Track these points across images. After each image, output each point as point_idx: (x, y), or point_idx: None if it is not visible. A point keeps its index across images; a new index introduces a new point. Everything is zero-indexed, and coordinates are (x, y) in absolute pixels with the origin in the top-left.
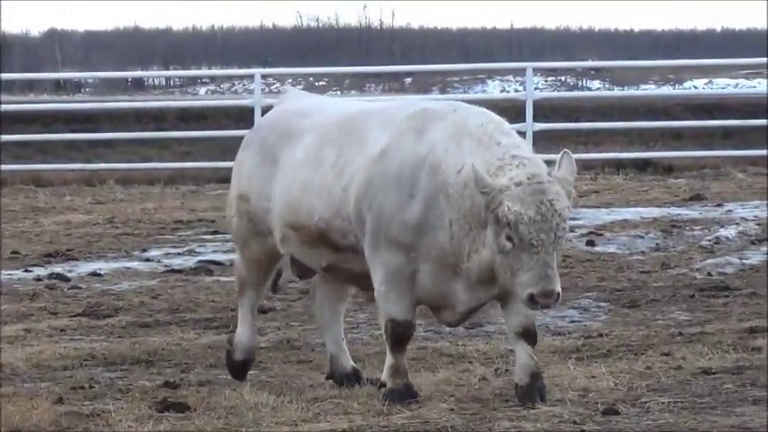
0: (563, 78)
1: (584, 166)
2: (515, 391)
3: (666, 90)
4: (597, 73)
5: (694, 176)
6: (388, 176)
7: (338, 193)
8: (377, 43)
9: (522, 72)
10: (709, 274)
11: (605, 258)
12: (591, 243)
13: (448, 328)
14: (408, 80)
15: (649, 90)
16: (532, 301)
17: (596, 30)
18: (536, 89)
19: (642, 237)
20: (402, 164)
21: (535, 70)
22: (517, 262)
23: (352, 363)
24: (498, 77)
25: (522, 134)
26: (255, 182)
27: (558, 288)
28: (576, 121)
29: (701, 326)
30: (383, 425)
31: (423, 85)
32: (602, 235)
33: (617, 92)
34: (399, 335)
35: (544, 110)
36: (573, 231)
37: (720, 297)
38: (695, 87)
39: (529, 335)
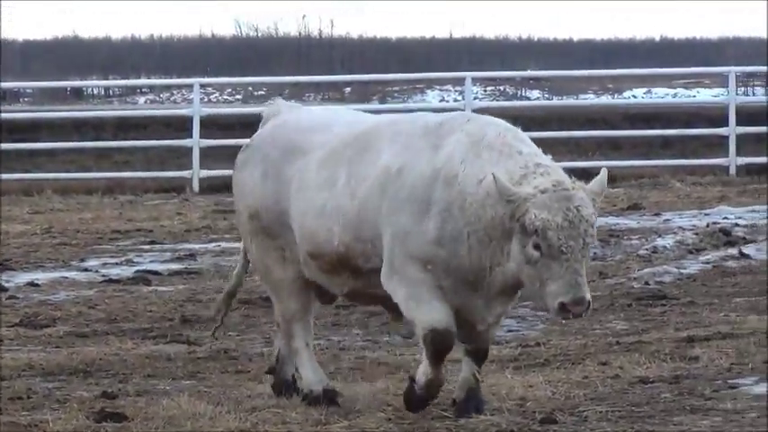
0: (502, 88)
1: None
2: (453, 406)
3: (605, 99)
4: (536, 82)
5: (632, 186)
6: (402, 193)
7: (353, 215)
8: (316, 53)
9: (461, 82)
10: (646, 283)
11: None
12: None
13: (386, 338)
14: (348, 90)
15: (588, 99)
16: (564, 309)
17: (535, 39)
18: (475, 99)
19: None
20: (416, 179)
21: (474, 80)
22: (546, 271)
23: (292, 372)
24: (437, 87)
25: None
26: (260, 197)
27: (589, 296)
28: None
29: (638, 335)
30: None
31: (362, 94)
32: None
33: (556, 101)
34: (441, 343)
35: None
36: None
37: (658, 306)
38: (634, 97)
39: (478, 355)
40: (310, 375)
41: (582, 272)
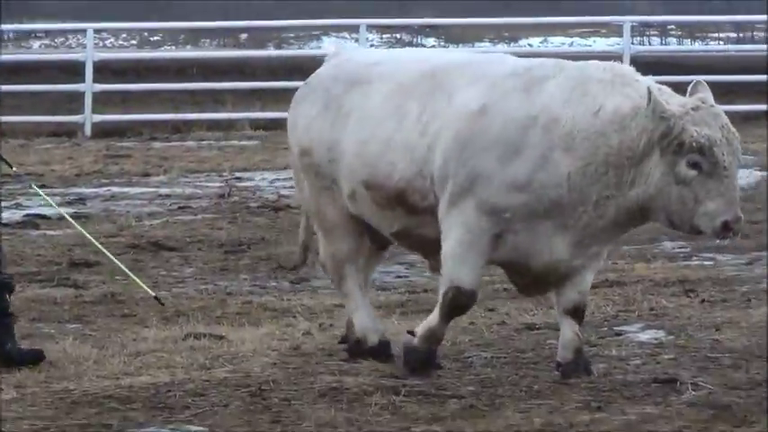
0: (398, 36)
1: None
2: (558, 369)
3: (501, 47)
4: (432, 30)
5: None
6: (489, 136)
7: (422, 151)
8: None
9: (357, 29)
10: None
11: None
12: None
13: (274, 283)
14: (244, 36)
15: (484, 48)
16: (726, 228)
17: None
18: (371, 46)
19: None
20: (507, 123)
21: (370, 27)
22: (702, 190)
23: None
24: (334, 34)
25: None
26: (316, 131)
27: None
28: None
29: None
30: (205, 378)
31: (259, 40)
32: None
33: (452, 49)
34: (461, 304)
35: None
36: None
37: None
38: (530, 45)
39: (578, 313)
40: (366, 321)
41: (738, 189)
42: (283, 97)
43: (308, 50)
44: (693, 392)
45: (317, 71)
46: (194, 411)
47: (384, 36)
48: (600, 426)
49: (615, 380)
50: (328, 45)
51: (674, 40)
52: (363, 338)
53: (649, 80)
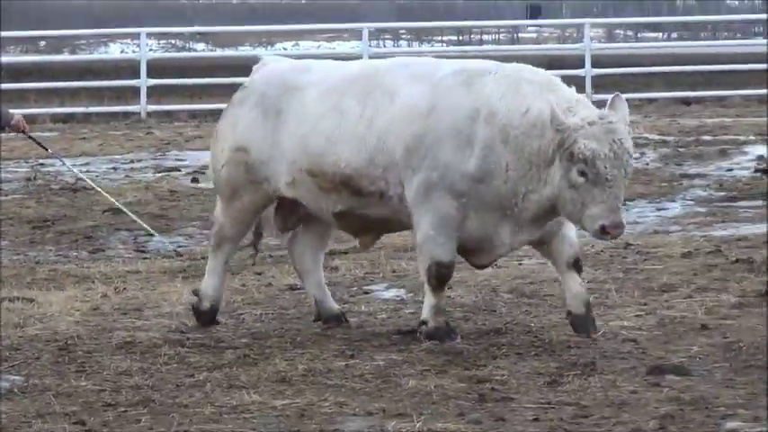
0: (173, 41)
1: (192, 116)
2: (569, 319)
3: (260, 51)
4: (202, 36)
5: None
6: (442, 130)
7: (372, 143)
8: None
9: (138, 36)
10: None
11: (207, 193)
12: (195, 180)
13: (75, 253)
14: (43, 43)
15: (245, 51)
16: (603, 231)
17: (200, 1)
18: (150, 50)
19: None
20: (456, 117)
21: (149, 34)
22: (588, 195)
23: (336, 305)
24: (119, 41)
25: (138, 89)
26: (256, 133)
27: (624, 221)
28: (184, 78)
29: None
30: (19, 335)
31: (56, 47)
32: (203, 173)
33: (218, 52)
34: (443, 275)
35: (157, 69)
36: (179, 171)
37: None
38: (284, 49)
39: (578, 264)
40: (207, 288)
41: (621, 198)
42: (77, 95)
43: (97, 55)
44: (431, 341)
45: (252, 78)
46: (11, 363)
47: (161, 42)
48: (354, 370)
49: (366, 331)
50: (266, 56)
51: (405, 42)
52: (199, 300)
53: (571, 91)
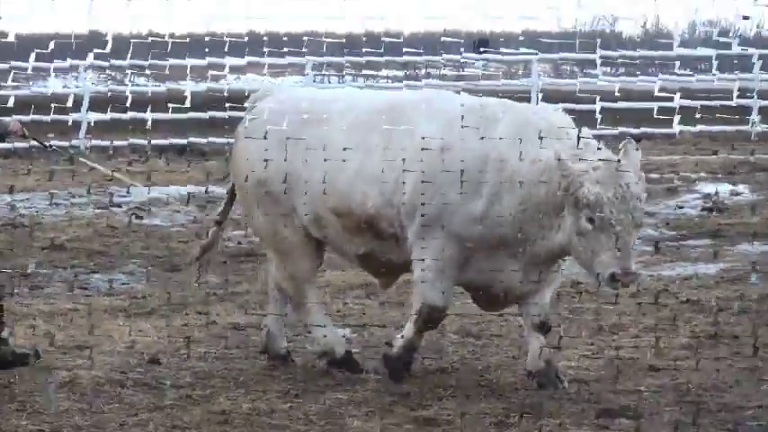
0: (113, 74)
1: (133, 150)
2: (535, 381)
3: (203, 85)
4: (141, 70)
5: (228, 159)
6: (451, 171)
7: (391, 183)
8: None
9: (77, 69)
10: (239, 243)
11: (150, 230)
12: (137, 216)
13: (16, 290)
14: None
15: (187, 85)
16: (613, 279)
17: (144, 33)
18: (92, 84)
19: (179, 212)
20: (467, 161)
21: (93, 67)
22: (597, 242)
23: (285, 345)
24: (61, 74)
25: (80, 124)
26: (273, 163)
27: (635, 267)
28: (125, 113)
29: (232, 287)
30: None
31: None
32: (147, 210)
33: (162, 87)
34: (434, 320)
35: (99, 102)
36: (120, 207)
37: (249, 263)
38: (228, 83)
39: (543, 326)
40: (330, 335)
41: (631, 244)
42: None
43: (36, 88)
44: (376, 381)
45: (259, 107)
46: None
47: (101, 75)
48: (298, 411)
49: (310, 371)
50: (267, 85)
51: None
52: (330, 351)
53: (576, 132)
